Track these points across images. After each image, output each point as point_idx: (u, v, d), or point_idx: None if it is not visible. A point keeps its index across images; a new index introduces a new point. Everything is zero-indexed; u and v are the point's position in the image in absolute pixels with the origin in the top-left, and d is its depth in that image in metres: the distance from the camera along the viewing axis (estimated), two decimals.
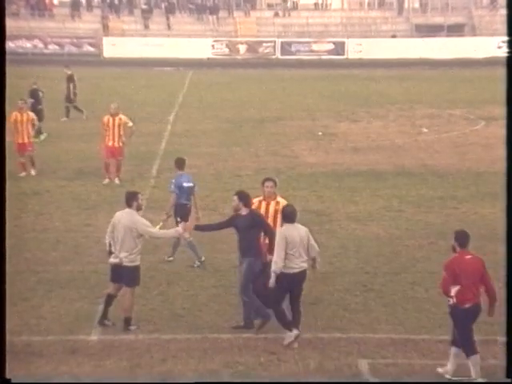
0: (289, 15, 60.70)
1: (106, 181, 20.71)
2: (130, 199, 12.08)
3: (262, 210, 12.53)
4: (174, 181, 15.18)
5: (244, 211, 12.05)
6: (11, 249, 15.47)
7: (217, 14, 59.01)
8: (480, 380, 10.43)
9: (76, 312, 12.56)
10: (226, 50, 56.47)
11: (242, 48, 56.80)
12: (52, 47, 55.50)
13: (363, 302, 13.21)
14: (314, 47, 56.69)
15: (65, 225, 17.32)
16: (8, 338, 11.42)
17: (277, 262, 11.45)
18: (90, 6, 59.02)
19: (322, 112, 33.68)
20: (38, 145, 24.70)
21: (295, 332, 11.47)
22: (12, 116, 21.71)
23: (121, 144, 20.95)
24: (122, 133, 20.93)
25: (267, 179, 12.91)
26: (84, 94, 36.96)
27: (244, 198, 12.11)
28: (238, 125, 30.43)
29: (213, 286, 13.62)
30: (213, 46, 56.11)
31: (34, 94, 27.85)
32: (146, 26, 58.07)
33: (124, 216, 11.98)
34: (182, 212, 14.73)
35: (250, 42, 57.03)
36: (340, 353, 11.30)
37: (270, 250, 11.85)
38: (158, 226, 13.84)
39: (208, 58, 54.32)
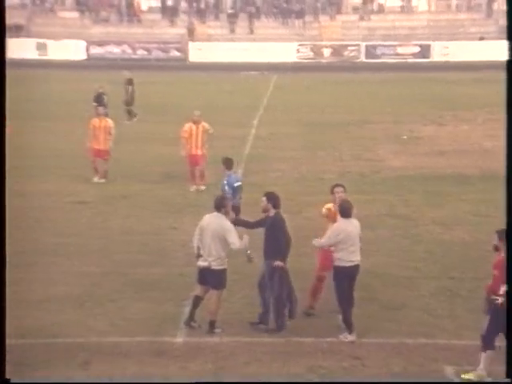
0: (374, 19, 60.30)
1: (193, 187, 20.75)
2: (220, 204, 12.16)
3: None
4: (225, 182, 15.58)
5: (271, 212, 12.18)
6: (100, 251, 15.86)
7: (302, 18, 59.08)
8: (480, 380, 10.38)
9: (162, 314, 12.72)
10: (311, 54, 56.46)
11: (327, 52, 56.71)
12: (140, 52, 56.43)
13: (449, 308, 13.04)
14: (400, 50, 56.20)
15: (152, 228, 17.55)
16: (96, 339, 11.70)
17: (322, 244, 12.07)
18: (177, 12, 59.76)
19: (407, 115, 33.36)
20: (126, 149, 25.12)
21: (352, 338, 11.77)
22: (91, 122, 22.06)
23: (204, 151, 20.90)
24: (204, 140, 20.84)
25: (337, 185, 12.89)
26: (169, 98, 37.50)
27: (273, 199, 12.26)
28: (322, 128, 30.37)
29: (298, 289, 13.60)
30: (298, 49, 56.18)
31: (99, 98, 28.42)
32: (232, 31, 58.50)
33: (212, 220, 12.06)
34: (234, 211, 14.97)
35: (334, 45, 56.90)
36: (425, 359, 11.19)
37: (284, 258, 12.04)
38: None
39: (293, 62, 54.42)
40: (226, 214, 12.17)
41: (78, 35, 56.07)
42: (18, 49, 54.63)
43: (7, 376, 9.35)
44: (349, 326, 11.89)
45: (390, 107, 35.67)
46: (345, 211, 12.01)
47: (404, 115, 33.46)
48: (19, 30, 57.16)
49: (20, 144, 26.94)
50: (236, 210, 15.20)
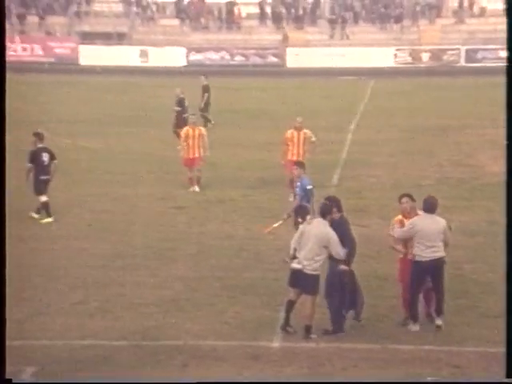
0: (474, 22, 59.28)
1: (292, 196, 20.48)
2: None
3: None
4: (299, 184, 16.24)
5: (336, 216, 12.33)
6: (196, 255, 16.04)
7: (401, 22, 58.54)
8: (480, 380, 10.24)
9: (258, 318, 12.76)
10: (409, 59, 55.88)
11: (425, 56, 56.05)
12: (238, 58, 56.90)
13: None
14: (502, 54, 55.11)
15: (247, 232, 17.66)
16: (194, 342, 11.83)
17: (398, 233, 12.28)
18: (275, 18, 60.03)
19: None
20: (220, 154, 25.30)
21: (416, 328, 12.15)
22: (183, 131, 22.16)
23: (305, 159, 20.60)
24: (306, 148, 20.62)
25: (403, 195, 12.85)
26: (265, 104, 37.65)
27: (336, 202, 12.49)
28: (419, 133, 30.00)
29: (393, 296, 13.47)
30: (395, 54, 55.71)
31: (180, 102, 28.63)
32: (331, 36, 58.40)
33: (316, 225, 12.09)
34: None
35: (433, 50, 56.20)
36: None
37: (348, 261, 12.10)
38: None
39: (390, 67, 53.99)
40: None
41: (178, 42, 56.92)
42: (122, 56, 55.83)
43: (117, 375, 9.55)
44: (414, 316, 12.15)
45: (490, 112, 34.98)
46: (428, 206, 12.17)
47: (505, 120, 32.73)
48: (122, 38, 58.34)
49: (115, 150, 27.46)
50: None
